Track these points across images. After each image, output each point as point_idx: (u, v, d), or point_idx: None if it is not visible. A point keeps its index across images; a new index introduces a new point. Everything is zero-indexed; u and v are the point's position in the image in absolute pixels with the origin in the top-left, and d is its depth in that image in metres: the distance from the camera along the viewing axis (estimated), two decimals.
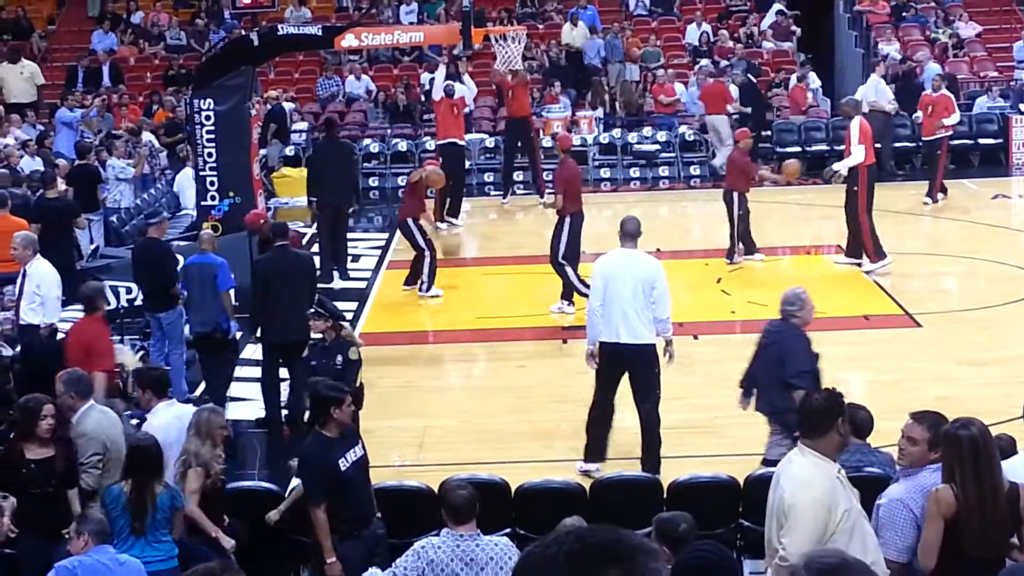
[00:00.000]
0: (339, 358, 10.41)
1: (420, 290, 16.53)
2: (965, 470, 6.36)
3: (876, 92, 23.23)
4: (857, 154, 16.76)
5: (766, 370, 9.80)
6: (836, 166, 17.67)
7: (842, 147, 24.22)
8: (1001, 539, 6.43)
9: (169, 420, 9.09)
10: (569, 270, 15.44)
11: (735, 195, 17.30)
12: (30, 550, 8.28)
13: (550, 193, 17.95)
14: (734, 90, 24.62)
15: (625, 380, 10.79)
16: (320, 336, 10.75)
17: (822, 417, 6.41)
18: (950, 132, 21.46)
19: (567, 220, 15.37)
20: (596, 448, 10.86)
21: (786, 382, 9.42)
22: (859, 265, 16.96)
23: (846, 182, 17.08)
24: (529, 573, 2.84)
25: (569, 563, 2.79)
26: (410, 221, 16.46)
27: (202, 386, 13.23)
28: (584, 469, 10.75)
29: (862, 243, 16.87)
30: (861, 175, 16.76)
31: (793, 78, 26.17)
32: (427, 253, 16.43)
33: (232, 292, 12.89)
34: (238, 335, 13.28)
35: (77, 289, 15.17)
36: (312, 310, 10.71)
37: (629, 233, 10.81)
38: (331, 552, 8.13)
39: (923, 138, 22.02)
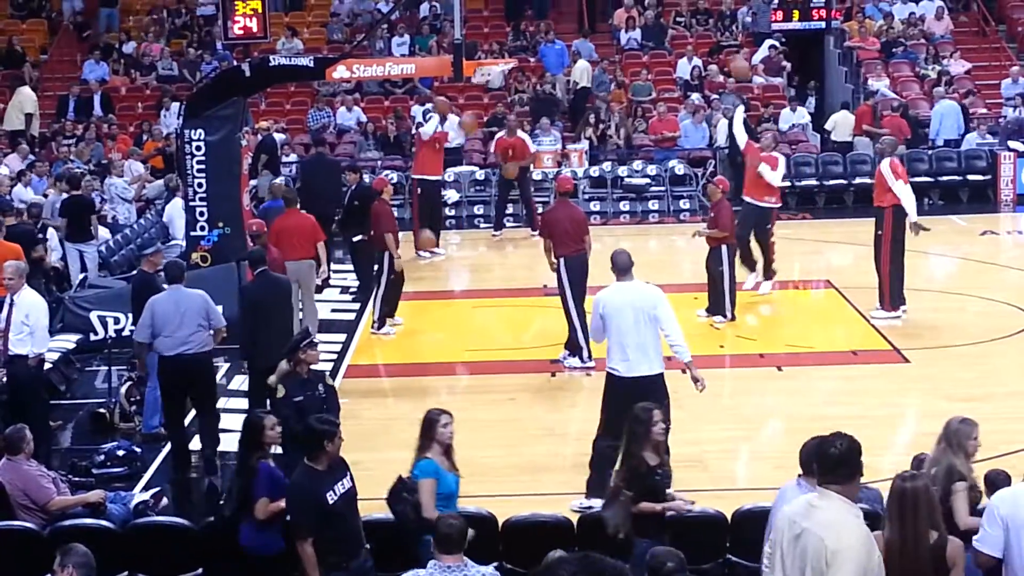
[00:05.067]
0: (320, 387, 10.35)
1: (372, 328, 16.34)
2: (891, 517, 6.58)
3: None
4: (904, 193, 15.83)
5: None
6: (912, 219, 15.92)
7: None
8: None
9: None
10: (575, 318, 14.55)
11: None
12: None
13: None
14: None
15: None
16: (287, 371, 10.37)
17: (851, 464, 6.24)
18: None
19: (560, 263, 14.78)
20: (600, 484, 10.00)
21: None
22: (898, 318, 16.22)
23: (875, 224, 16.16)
24: None
25: None
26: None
27: None
28: (585, 506, 10.25)
29: (880, 287, 16.17)
30: (887, 217, 15.97)
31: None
32: (382, 286, 16.20)
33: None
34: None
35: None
36: (310, 339, 10.49)
37: (621, 267, 10.69)
38: None
39: None
